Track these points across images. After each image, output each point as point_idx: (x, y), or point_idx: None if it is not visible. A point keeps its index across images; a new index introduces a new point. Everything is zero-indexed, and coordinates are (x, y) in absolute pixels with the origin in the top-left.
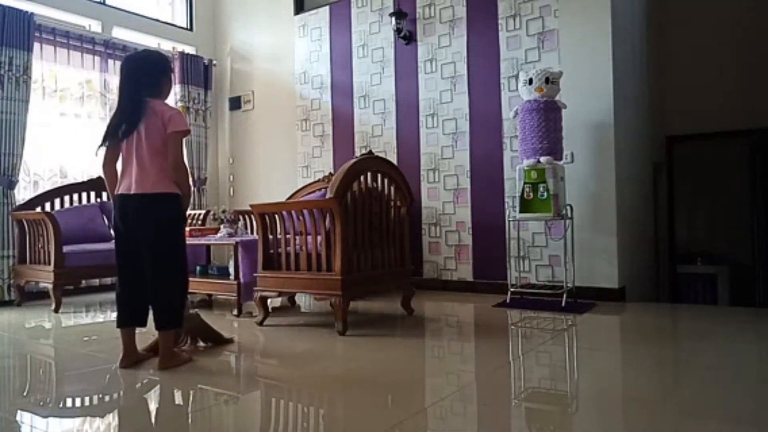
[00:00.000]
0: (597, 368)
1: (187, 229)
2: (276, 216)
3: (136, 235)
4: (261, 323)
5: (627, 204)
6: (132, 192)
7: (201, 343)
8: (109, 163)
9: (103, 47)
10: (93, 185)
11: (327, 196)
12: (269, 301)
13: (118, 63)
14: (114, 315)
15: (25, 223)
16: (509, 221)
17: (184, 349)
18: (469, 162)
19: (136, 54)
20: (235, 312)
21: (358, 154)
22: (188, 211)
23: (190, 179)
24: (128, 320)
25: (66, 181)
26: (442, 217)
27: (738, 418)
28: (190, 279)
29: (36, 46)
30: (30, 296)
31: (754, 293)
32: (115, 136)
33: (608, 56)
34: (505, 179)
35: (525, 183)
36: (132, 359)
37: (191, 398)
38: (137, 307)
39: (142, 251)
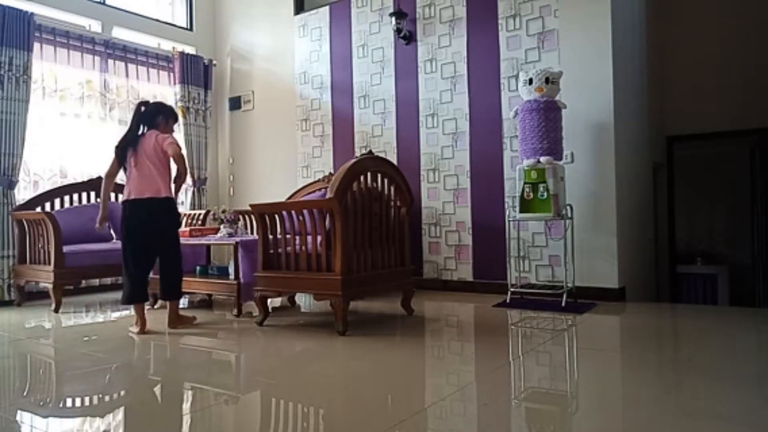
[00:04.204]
0: (597, 368)
1: (188, 229)
2: (276, 216)
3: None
4: (261, 323)
5: (627, 204)
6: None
7: None
8: None
9: (103, 47)
10: (93, 185)
11: (327, 196)
12: (269, 301)
13: (119, 63)
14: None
15: (25, 223)
16: (509, 221)
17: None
18: (469, 162)
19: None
20: (235, 312)
21: (358, 154)
22: (189, 211)
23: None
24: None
25: (66, 181)
26: (442, 217)
27: (738, 418)
28: (191, 279)
29: (36, 46)
30: (30, 296)
31: (754, 293)
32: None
33: (608, 56)
34: (505, 179)
35: (525, 183)
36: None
37: (191, 398)
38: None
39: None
